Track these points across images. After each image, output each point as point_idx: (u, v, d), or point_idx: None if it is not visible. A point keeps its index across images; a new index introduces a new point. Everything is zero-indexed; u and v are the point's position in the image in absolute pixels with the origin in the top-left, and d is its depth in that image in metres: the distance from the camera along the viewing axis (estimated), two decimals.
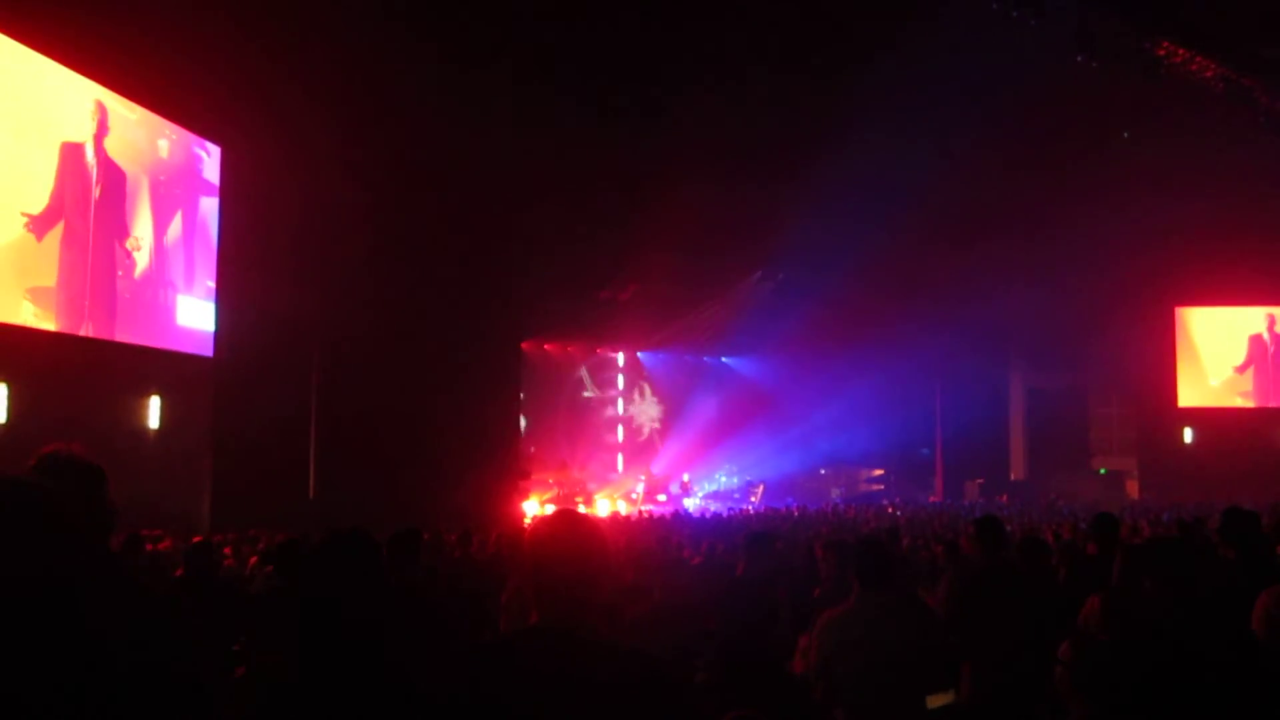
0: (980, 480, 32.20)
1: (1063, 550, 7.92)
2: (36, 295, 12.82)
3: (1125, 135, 23.86)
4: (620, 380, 34.91)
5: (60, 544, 1.66)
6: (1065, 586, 5.84)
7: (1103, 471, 33.39)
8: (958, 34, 19.21)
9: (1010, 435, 35.02)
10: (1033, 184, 24.72)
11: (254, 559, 8.31)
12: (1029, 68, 19.87)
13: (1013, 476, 34.03)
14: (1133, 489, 31.40)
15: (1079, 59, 19.67)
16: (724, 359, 36.48)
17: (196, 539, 7.32)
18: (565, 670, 2.06)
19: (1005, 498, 29.64)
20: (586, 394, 33.49)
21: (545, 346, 31.80)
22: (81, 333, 13.62)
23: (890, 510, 24.58)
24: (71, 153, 13.46)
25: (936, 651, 4.03)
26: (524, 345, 28.12)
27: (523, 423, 28.76)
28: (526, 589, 2.18)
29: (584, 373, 33.55)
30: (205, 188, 16.67)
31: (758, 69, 19.42)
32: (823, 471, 35.99)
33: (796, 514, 21.94)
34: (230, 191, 16.74)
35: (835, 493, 34.40)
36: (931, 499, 31.80)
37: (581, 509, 21.70)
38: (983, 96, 20.80)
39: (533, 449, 28.33)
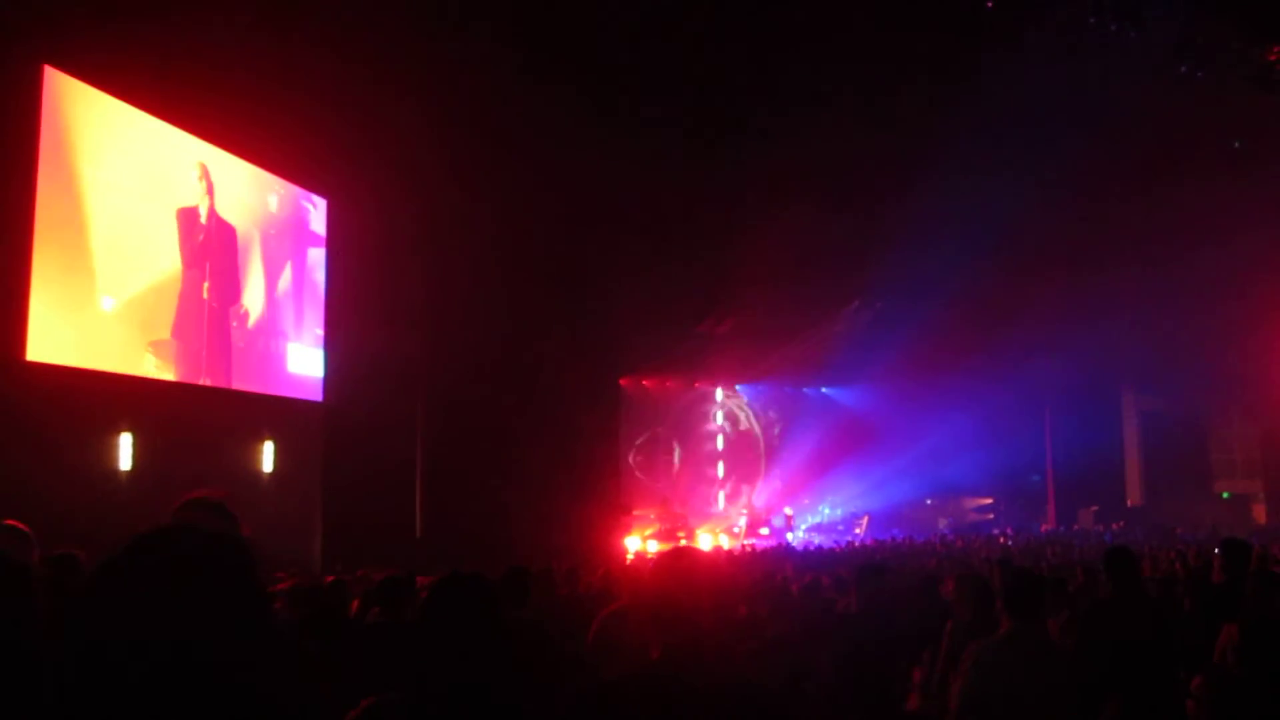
0: (1095, 507, 31.13)
1: (1189, 579, 7.61)
2: (157, 348, 13.38)
3: (1236, 145, 22.99)
4: (719, 415, 34.81)
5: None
6: (1191, 617, 5.62)
7: (1226, 496, 31.98)
8: (1057, 54, 18.80)
9: (1125, 459, 33.82)
10: (1140, 204, 23.95)
11: (357, 600, 8.40)
12: (1131, 84, 19.32)
13: (1129, 503, 32.83)
14: (1260, 514, 29.98)
15: (1183, 70, 19.04)
16: (824, 390, 36.12)
17: (329, 579, 7.48)
18: (694, 705, 2.05)
19: (1119, 524, 28.58)
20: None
21: (643, 382, 31.92)
22: (200, 382, 14.17)
23: (1001, 540, 23.92)
24: (186, 213, 14.07)
25: (1073, 684, 3.92)
26: (622, 381, 28.27)
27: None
28: (646, 624, 2.18)
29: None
30: (313, 239, 17.25)
31: (854, 95, 19.24)
32: (929, 501, 35.26)
33: (904, 545, 21.50)
34: (337, 242, 17.30)
35: (943, 523, 33.65)
36: (1044, 527, 30.86)
37: (683, 544, 21.66)
38: (1085, 117, 20.27)
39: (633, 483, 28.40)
